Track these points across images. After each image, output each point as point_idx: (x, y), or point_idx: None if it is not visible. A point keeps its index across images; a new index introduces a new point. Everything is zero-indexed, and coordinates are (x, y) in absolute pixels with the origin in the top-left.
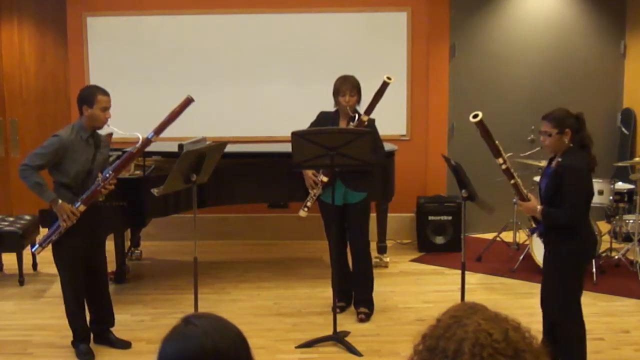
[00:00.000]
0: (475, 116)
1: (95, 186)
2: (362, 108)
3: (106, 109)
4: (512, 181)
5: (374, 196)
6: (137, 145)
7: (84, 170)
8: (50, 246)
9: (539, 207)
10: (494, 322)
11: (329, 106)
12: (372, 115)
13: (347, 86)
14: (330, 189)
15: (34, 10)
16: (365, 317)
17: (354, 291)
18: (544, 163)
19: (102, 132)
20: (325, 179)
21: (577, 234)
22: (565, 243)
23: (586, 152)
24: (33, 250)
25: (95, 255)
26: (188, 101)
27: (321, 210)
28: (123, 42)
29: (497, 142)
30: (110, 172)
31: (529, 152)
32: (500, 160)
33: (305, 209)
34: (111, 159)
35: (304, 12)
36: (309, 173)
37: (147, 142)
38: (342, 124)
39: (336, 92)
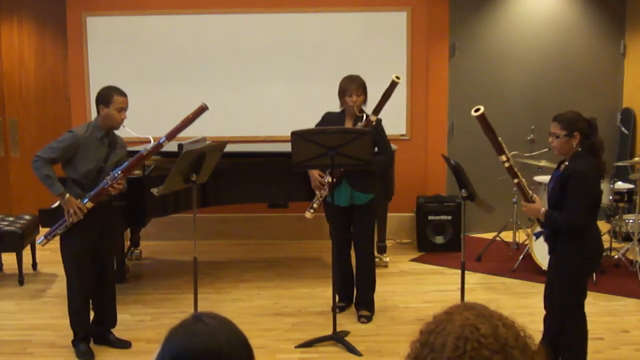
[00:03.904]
0: (477, 110)
1: (103, 185)
2: (368, 108)
3: (122, 109)
4: (516, 180)
5: (380, 197)
6: (148, 147)
7: (95, 168)
8: (58, 244)
9: (542, 209)
10: (484, 317)
11: (329, 106)
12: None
13: (353, 86)
14: (337, 190)
15: (33, 10)
16: (367, 320)
17: (356, 292)
18: (544, 163)
19: (118, 132)
20: (330, 180)
21: (583, 240)
22: (571, 248)
23: (595, 157)
24: (39, 242)
25: (105, 256)
26: (202, 109)
27: (326, 211)
28: (122, 42)
29: (500, 138)
30: (119, 172)
31: (529, 152)
32: (504, 158)
33: (311, 211)
34: None
35: (303, 12)
36: (315, 174)
37: (159, 146)
38: (348, 125)
39: (342, 92)
